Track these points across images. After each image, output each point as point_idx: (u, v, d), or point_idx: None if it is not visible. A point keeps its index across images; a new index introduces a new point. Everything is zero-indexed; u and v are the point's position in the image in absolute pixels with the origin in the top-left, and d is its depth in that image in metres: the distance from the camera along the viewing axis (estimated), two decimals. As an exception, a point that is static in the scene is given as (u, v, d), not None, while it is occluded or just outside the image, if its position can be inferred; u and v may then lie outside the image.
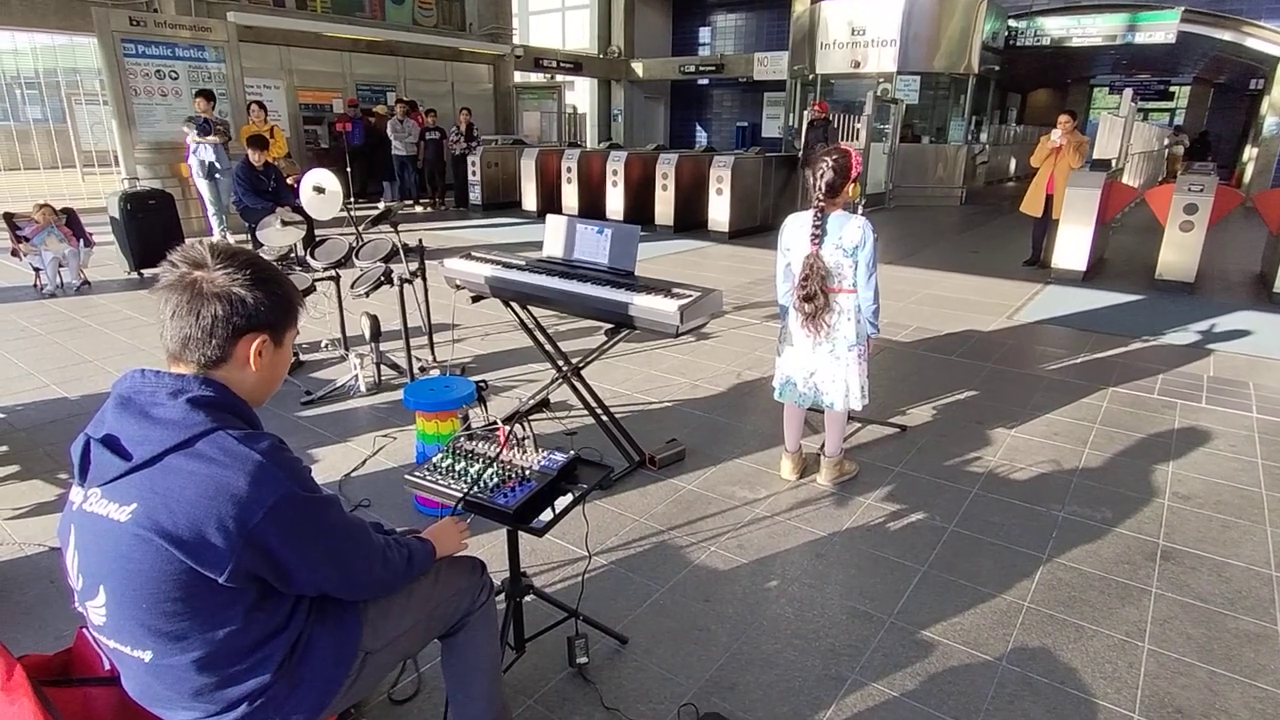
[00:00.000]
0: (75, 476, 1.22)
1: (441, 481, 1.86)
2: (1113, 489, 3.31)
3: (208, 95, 8.21)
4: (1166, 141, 16.45)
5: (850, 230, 2.90)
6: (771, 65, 18.52)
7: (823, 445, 3.31)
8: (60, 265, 6.53)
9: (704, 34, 22.23)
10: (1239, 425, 4.03)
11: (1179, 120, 24.50)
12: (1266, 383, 4.70)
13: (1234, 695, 2.13)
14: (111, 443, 1.17)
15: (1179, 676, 2.19)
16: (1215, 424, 4.04)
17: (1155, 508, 3.16)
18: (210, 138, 7.95)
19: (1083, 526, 3.00)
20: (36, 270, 6.50)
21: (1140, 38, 14.02)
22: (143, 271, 7.01)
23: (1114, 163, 8.57)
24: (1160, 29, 13.71)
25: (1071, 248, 7.57)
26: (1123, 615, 2.46)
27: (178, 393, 1.19)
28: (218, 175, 8.15)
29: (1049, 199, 7.93)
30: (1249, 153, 15.54)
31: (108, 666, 1.43)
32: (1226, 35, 13.97)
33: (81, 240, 6.67)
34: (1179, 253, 7.18)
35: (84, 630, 1.49)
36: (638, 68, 21.24)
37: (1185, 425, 4.02)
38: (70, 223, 6.65)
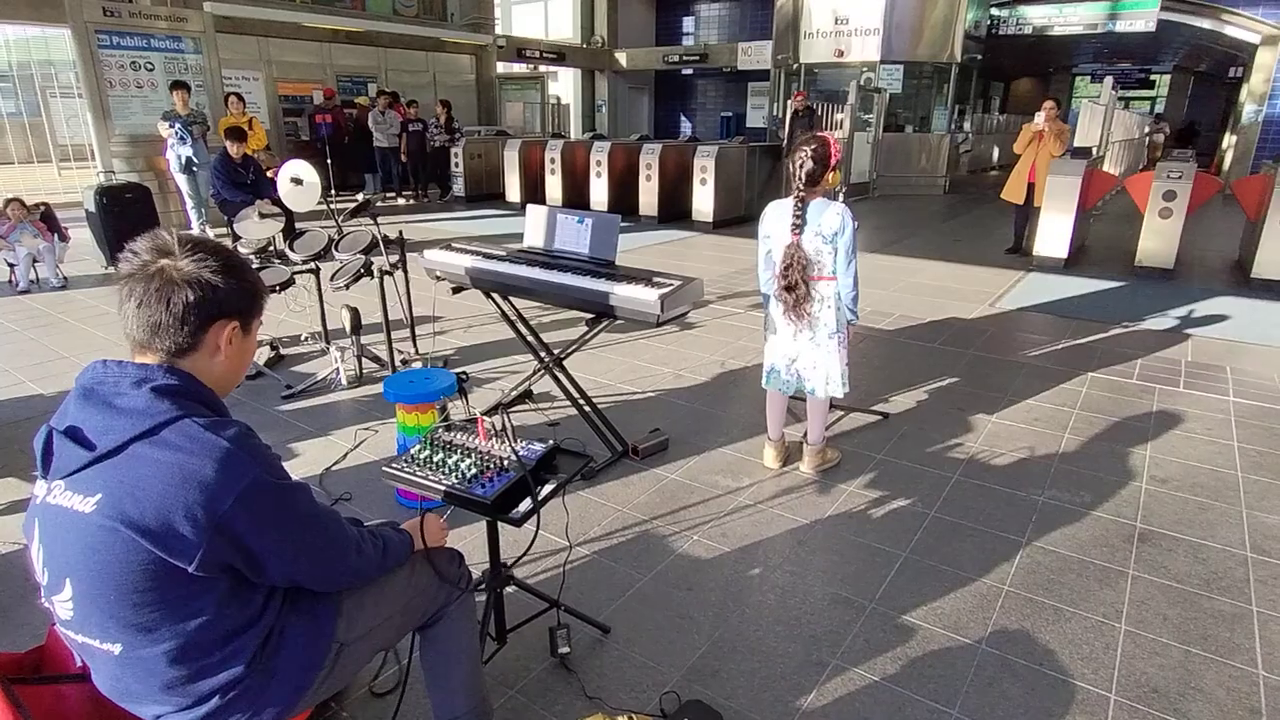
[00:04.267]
0: (38, 469, 1.20)
1: (419, 473, 1.85)
2: (1091, 473, 3.34)
3: (184, 87, 8.09)
4: (1147, 129, 16.58)
5: (829, 217, 2.90)
6: (755, 55, 18.48)
7: (805, 433, 3.32)
8: (35, 261, 6.44)
9: (688, 23, 22.15)
10: (1216, 409, 4.08)
11: (1160, 108, 24.72)
12: (1243, 367, 4.76)
13: (1209, 674, 2.15)
14: (74, 434, 1.16)
15: (1155, 657, 2.22)
16: (1192, 408, 4.08)
17: (1133, 491, 3.19)
18: (186, 148, 7.83)
19: (1062, 510, 3.03)
20: (11, 266, 6.40)
21: (1121, 26, 14.09)
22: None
23: (1095, 150, 8.63)
24: (1140, 17, 13.78)
25: (1052, 235, 7.61)
26: (1100, 597, 2.49)
27: (141, 382, 1.18)
28: (195, 169, 8.04)
29: (1030, 187, 7.97)
30: (1228, 140, 15.69)
31: (79, 664, 1.41)
32: (1206, 23, 14.07)
33: (56, 235, 6.58)
34: (1158, 239, 7.24)
35: (56, 627, 1.47)
36: (621, 58, 21.13)
37: (1163, 409, 4.06)
38: (45, 218, 6.55)
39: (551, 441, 1.97)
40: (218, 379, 1.28)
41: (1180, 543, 2.81)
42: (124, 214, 6.96)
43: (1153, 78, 24.99)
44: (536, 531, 2.06)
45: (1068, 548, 2.77)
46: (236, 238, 4.84)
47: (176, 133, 7.83)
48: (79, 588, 1.15)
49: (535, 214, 3.44)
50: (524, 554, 2.41)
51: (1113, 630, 2.33)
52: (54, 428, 1.18)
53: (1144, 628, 2.34)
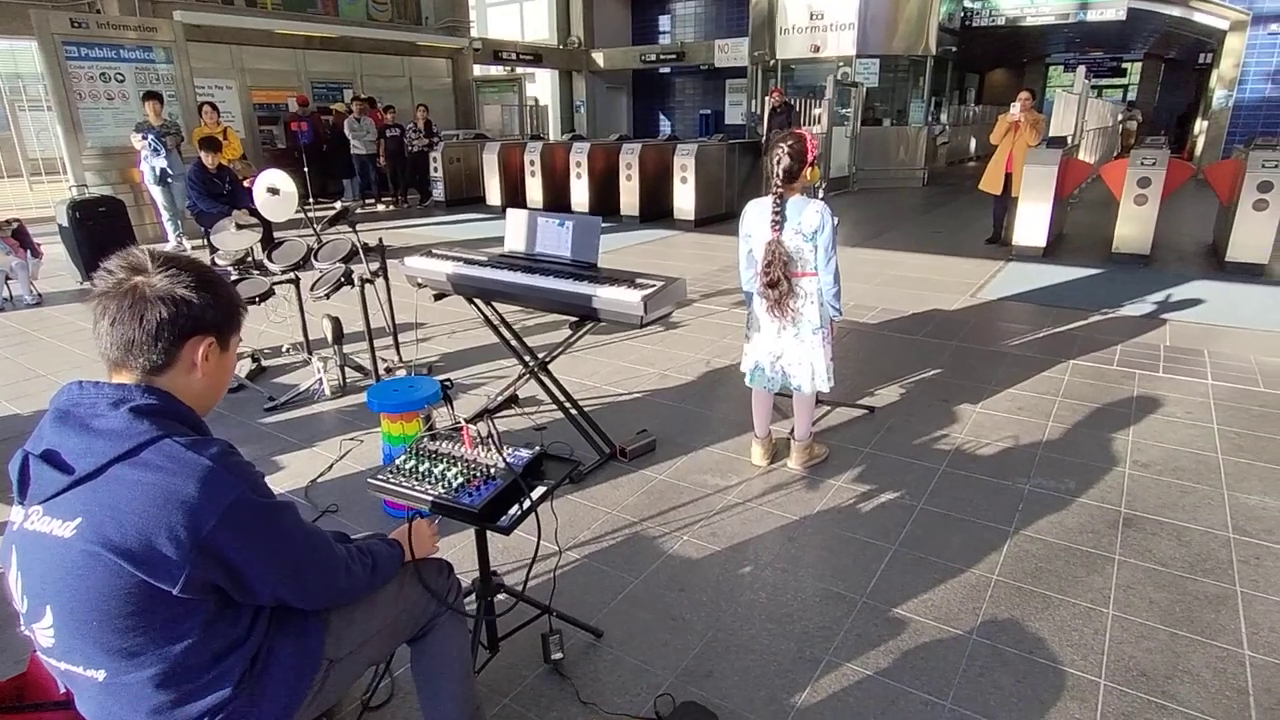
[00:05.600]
0: (15, 495, 1.18)
1: (405, 483, 1.83)
2: (1076, 460, 3.37)
3: (156, 97, 7.99)
4: (1120, 117, 16.78)
5: (809, 215, 2.91)
6: (732, 52, 18.52)
7: (792, 430, 3.33)
8: (8, 279, 6.33)
9: (664, 22, 22.15)
10: (1195, 392, 4.13)
11: (1132, 96, 25.01)
12: (1220, 350, 4.82)
13: (1195, 656, 2.18)
14: (52, 457, 1.14)
15: (1143, 640, 2.25)
16: (1172, 392, 4.14)
17: (1117, 476, 3.23)
18: (160, 160, 7.72)
19: (1048, 498, 3.05)
20: (-16, 284, 6.30)
21: (1092, 15, 14.26)
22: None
23: (1070, 139, 8.71)
24: (1111, 6, 13.94)
25: (1031, 225, 7.69)
26: (1088, 583, 2.51)
27: (119, 402, 1.16)
28: (170, 180, 7.95)
29: (1008, 177, 8.04)
30: (1200, 125, 15.90)
31: (63, 690, 1.39)
32: (1175, 10, 14.25)
33: (29, 252, 6.47)
34: (1134, 226, 7.33)
35: (38, 654, 1.45)
36: (598, 58, 21.10)
37: (1144, 394, 4.11)
38: (17, 234, 6.44)
39: (538, 447, 1.96)
40: (196, 396, 1.26)
41: (1164, 526, 2.84)
42: (98, 228, 6.87)
43: (1124, 66, 25.29)
44: (539, 541, 2.06)
45: (1054, 535, 2.79)
46: (214, 249, 4.79)
47: (150, 144, 7.74)
48: (60, 615, 1.13)
49: (515, 218, 3.42)
50: (531, 566, 2.40)
51: (1101, 616, 2.35)
52: (30, 452, 1.16)
53: (1131, 612, 2.37)
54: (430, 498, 1.77)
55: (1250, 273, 6.79)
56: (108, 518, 1.09)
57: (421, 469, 1.87)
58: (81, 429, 1.14)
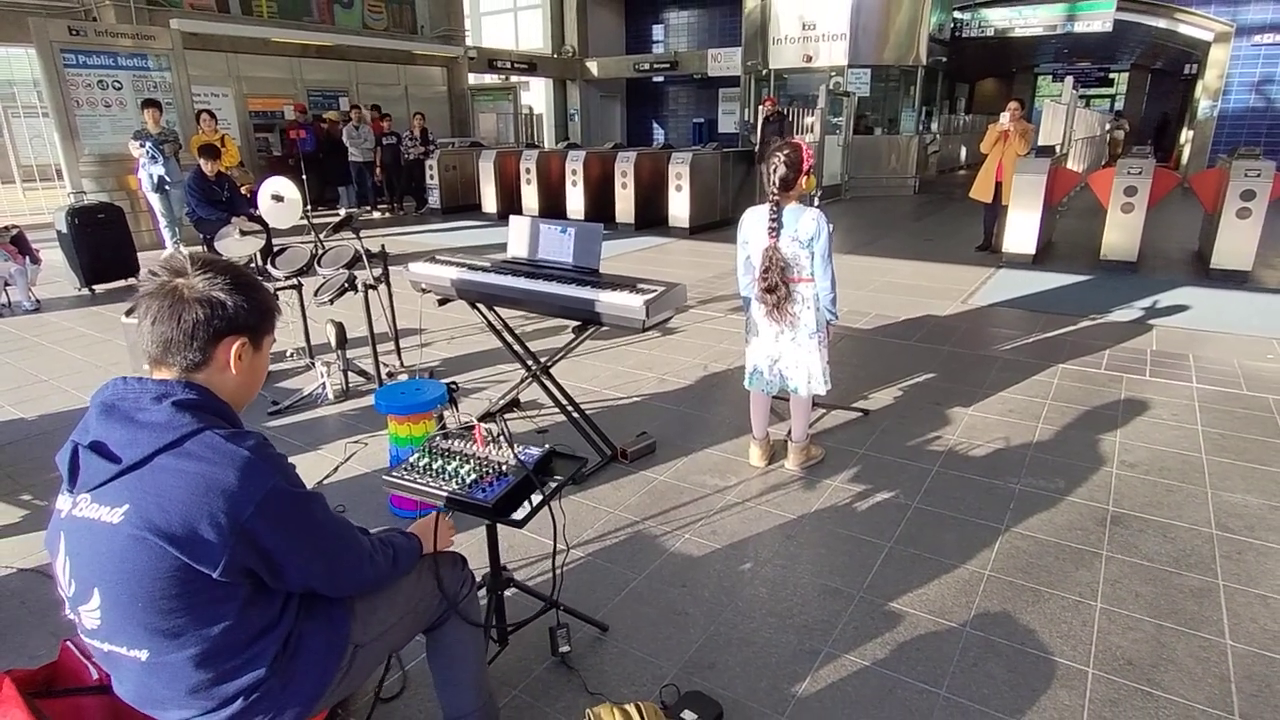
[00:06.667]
0: (65, 483, 1.24)
1: (420, 480, 1.89)
2: (1065, 460, 3.46)
3: (155, 105, 8.03)
4: (1108, 126, 17.01)
5: (805, 223, 2.99)
6: (725, 61, 18.68)
7: (789, 431, 3.41)
8: (7, 285, 6.36)
9: (657, 31, 22.32)
10: (1180, 395, 4.23)
11: (1119, 105, 25.32)
12: (1205, 354, 4.93)
13: (1180, 646, 2.26)
14: (99, 448, 1.20)
15: (1129, 631, 2.33)
16: (1158, 395, 4.24)
17: (1104, 476, 3.31)
18: (158, 167, 7.74)
19: (1038, 497, 3.14)
20: (-18, 291, 6.33)
21: (1079, 27, 14.48)
22: (94, 288, 6.85)
23: (1058, 148, 8.86)
24: (1097, 18, 14.17)
25: (1021, 232, 7.81)
26: (1077, 578, 2.60)
27: (162, 397, 1.23)
28: (168, 187, 7.98)
29: (998, 185, 8.17)
30: (1185, 135, 16.14)
31: (95, 677, 1.45)
32: (1161, 22, 14.49)
33: (28, 258, 6.50)
34: (1121, 233, 7.47)
35: (68, 644, 1.51)
36: (592, 67, 21.25)
37: (1131, 397, 4.21)
38: (16, 241, 6.47)
39: (548, 445, 2.03)
40: (232, 393, 1.33)
41: (1150, 523, 2.93)
42: (96, 235, 6.91)
43: (1112, 76, 25.62)
44: (555, 536, 2.13)
45: (1044, 532, 2.88)
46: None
47: (148, 151, 7.77)
48: (107, 596, 1.19)
49: (518, 225, 3.50)
50: (554, 559, 2.45)
51: (1089, 609, 2.43)
52: (78, 442, 1.22)
53: (1118, 605, 2.45)
54: (445, 494, 1.83)
55: (1234, 279, 6.92)
56: (153, 504, 1.16)
57: (435, 466, 1.93)
58: (127, 421, 1.21)
